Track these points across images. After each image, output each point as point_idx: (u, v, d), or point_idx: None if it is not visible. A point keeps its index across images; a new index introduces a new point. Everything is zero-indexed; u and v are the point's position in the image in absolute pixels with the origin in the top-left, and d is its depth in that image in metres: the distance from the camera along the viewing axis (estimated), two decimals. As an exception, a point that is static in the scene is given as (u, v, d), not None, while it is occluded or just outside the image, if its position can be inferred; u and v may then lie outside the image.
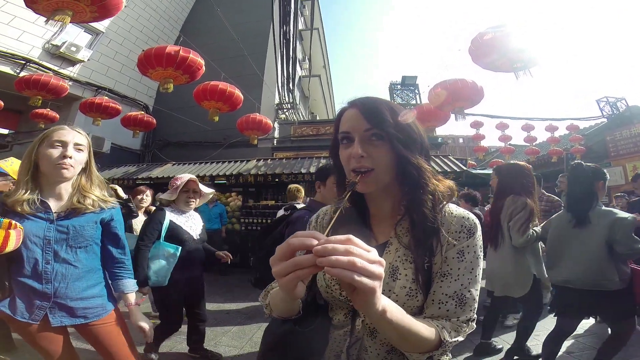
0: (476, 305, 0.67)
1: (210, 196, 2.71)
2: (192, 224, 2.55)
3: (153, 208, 3.72)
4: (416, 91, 10.88)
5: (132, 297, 1.47)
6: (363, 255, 0.44)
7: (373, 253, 0.46)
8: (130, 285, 1.48)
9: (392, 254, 0.70)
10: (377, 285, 0.46)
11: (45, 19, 3.17)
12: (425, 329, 0.60)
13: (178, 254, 2.34)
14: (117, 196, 2.89)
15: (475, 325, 0.68)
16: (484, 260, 0.83)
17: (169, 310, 2.47)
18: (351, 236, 0.46)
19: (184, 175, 2.51)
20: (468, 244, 0.67)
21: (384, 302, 0.52)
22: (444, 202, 0.71)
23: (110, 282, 1.47)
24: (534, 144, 10.05)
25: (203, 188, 2.57)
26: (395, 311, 0.55)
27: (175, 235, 2.40)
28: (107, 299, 1.43)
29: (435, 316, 0.65)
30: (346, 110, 0.74)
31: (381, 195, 0.75)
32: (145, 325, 1.45)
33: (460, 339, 0.64)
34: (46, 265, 1.26)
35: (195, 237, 2.51)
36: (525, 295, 2.39)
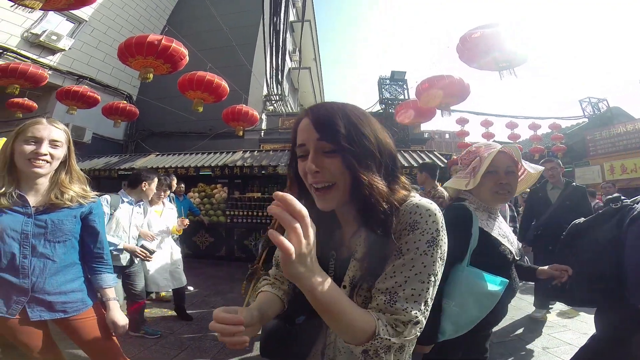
0: (422, 307, 0.59)
1: (536, 178, 1.43)
2: (505, 231, 1.36)
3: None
4: (404, 86, 10.91)
5: (110, 292, 1.47)
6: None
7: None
8: (108, 279, 1.47)
9: (352, 268, 0.68)
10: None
11: (14, 5, 2.97)
12: (360, 316, 0.57)
13: (501, 292, 1.16)
14: None
15: (419, 332, 0.60)
16: None
17: None
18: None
19: (490, 144, 1.37)
20: (407, 240, 0.61)
21: (313, 281, 0.51)
22: (398, 211, 0.65)
23: (89, 276, 1.46)
24: (517, 141, 10.28)
25: (527, 165, 1.35)
26: (328, 291, 0.53)
27: (491, 254, 1.26)
28: (87, 293, 1.41)
29: (371, 309, 0.61)
30: (301, 119, 0.69)
31: (345, 207, 0.70)
32: (120, 321, 1.44)
33: (396, 340, 0.56)
34: (23, 260, 1.24)
35: (516, 256, 1.35)
36: None
